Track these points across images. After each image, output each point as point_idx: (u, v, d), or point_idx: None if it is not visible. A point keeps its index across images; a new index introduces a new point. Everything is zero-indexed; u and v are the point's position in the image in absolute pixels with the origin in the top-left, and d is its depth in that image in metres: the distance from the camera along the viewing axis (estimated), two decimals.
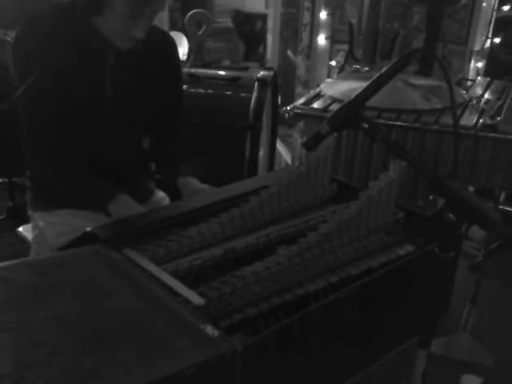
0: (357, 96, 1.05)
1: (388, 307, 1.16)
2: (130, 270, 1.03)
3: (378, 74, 1.03)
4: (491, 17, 2.90)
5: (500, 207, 2.66)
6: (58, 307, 0.92)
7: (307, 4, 3.15)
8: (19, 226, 1.81)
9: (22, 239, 1.76)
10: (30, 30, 1.41)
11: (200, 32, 2.93)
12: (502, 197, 2.73)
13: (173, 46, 1.62)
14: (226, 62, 4.70)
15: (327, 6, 2.94)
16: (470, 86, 2.38)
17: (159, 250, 1.11)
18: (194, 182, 1.57)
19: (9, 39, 3.31)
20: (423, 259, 1.13)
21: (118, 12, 1.32)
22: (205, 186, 1.55)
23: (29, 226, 1.67)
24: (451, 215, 0.93)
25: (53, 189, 1.53)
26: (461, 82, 2.47)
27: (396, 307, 1.18)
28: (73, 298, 0.94)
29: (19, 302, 0.93)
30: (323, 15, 2.94)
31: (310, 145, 1.13)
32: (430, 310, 1.07)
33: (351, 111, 1.05)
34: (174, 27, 4.11)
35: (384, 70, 1.00)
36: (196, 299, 0.95)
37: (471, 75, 2.89)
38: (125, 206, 1.40)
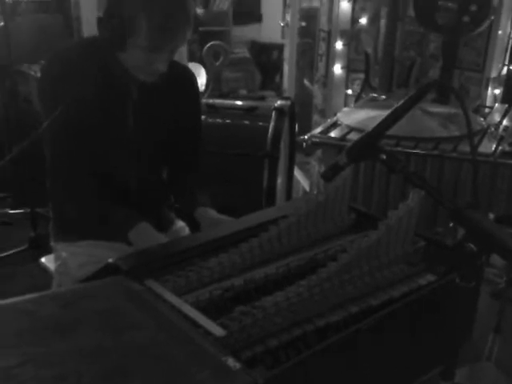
0: (374, 128, 1.06)
1: (409, 338, 1.15)
2: (152, 302, 1.03)
3: (394, 107, 1.05)
4: (507, 44, 2.91)
5: None
6: (80, 339, 0.93)
7: (323, 35, 3.19)
8: (41, 257, 1.83)
9: (44, 270, 1.78)
10: (54, 64, 1.45)
11: (218, 63, 3.00)
12: None
13: (193, 80, 1.66)
14: (243, 92, 4.77)
15: (343, 36, 2.98)
16: (488, 113, 2.38)
17: (180, 281, 1.12)
18: (212, 212, 1.58)
19: (32, 73, 3.41)
20: (444, 289, 1.12)
21: (140, 46, 1.35)
22: (222, 217, 1.56)
23: (51, 257, 1.69)
24: (471, 245, 0.93)
25: (74, 219, 1.55)
26: (478, 109, 2.47)
27: (417, 338, 1.16)
28: (95, 330, 0.95)
29: (42, 334, 0.95)
30: (339, 45, 2.98)
31: (328, 176, 1.14)
32: (452, 340, 1.05)
33: (369, 143, 1.06)
34: (192, 59, 4.19)
35: (401, 102, 1.02)
36: (217, 330, 0.96)
37: (489, 102, 2.89)
38: (145, 234, 1.41)
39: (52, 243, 1.63)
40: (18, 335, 0.94)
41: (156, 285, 1.10)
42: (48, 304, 1.03)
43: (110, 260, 1.18)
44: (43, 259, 1.81)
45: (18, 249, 2.89)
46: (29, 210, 3.00)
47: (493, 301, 2.51)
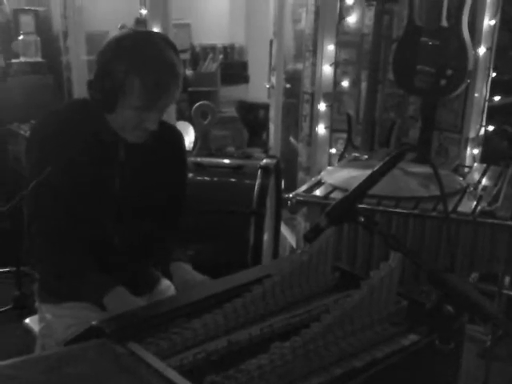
0: (352, 191, 1.10)
1: None
2: (135, 366, 1.03)
3: (371, 171, 1.09)
4: (483, 106, 3.03)
5: (505, 291, 2.64)
6: None
7: (306, 97, 3.30)
8: (26, 317, 1.81)
9: (28, 330, 1.76)
10: (43, 127, 1.48)
11: (206, 122, 3.06)
12: (507, 282, 2.72)
13: (180, 140, 1.69)
14: (231, 149, 4.85)
15: (326, 98, 3.08)
16: (468, 173, 2.44)
17: (163, 344, 1.12)
18: (187, 267, 1.58)
19: (22, 132, 3.46)
20: (425, 350, 1.13)
21: (131, 105, 1.38)
22: (196, 274, 1.56)
23: (35, 318, 1.67)
24: (449, 307, 0.95)
25: (52, 280, 1.54)
26: (458, 169, 2.53)
27: None
28: None
29: None
30: (322, 107, 3.08)
31: (310, 237, 1.17)
32: None
33: (348, 206, 1.10)
34: (181, 117, 4.28)
35: (377, 167, 1.06)
36: None
37: (468, 162, 2.97)
38: (120, 299, 1.39)
39: (37, 304, 1.62)
40: None
41: (139, 348, 1.10)
42: (31, 369, 1.02)
43: (94, 323, 1.18)
44: (27, 320, 1.79)
45: (2, 309, 2.85)
46: (14, 269, 2.98)
47: (480, 359, 2.50)
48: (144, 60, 1.36)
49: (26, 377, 0.99)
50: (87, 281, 1.45)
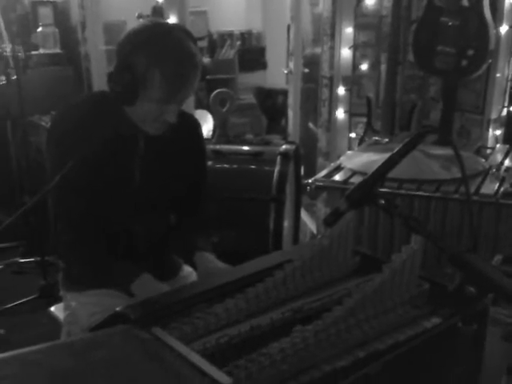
0: (372, 174, 1.09)
1: (416, 381, 1.14)
2: (159, 350, 1.05)
3: (391, 154, 1.08)
4: (505, 86, 2.97)
5: None
6: None
7: (325, 81, 3.27)
8: (51, 305, 1.85)
9: (53, 318, 1.80)
10: (62, 122, 1.49)
11: (224, 109, 3.06)
12: None
13: (198, 129, 1.70)
14: (250, 136, 4.84)
15: (345, 82, 3.06)
16: (490, 154, 2.41)
17: (187, 329, 1.13)
18: (210, 257, 1.59)
19: (43, 124, 3.50)
20: (448, 332, 1.12)
21: (152, 98, 1.39)
22: (219, 263, 1.58)
23: (61, 306, 1.71)
24: (472, 289, 0.94)
25: (77, 271, 1.58)
26: (480, 151, 2.50)
27: (424, 381, 1.16)
28: (104, 379, 0.96)
29: None
30: (341, 91, 3.05)
31: (330, 221, 1.17)
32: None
33: (367, 189, 1.09)
34: (199, 105, 4.29)
35: (396, 149, 1.05)
36: (223, 379, 0.96)
37: (490, 143, 2.93)
38: (147, 285, 1.43)
39: (62, 292, 1.65)
40: None
41: (163, 333, 1.11)
42: (57, 354, 1.04)
43: (118, 309, 1.20)
44: (53, 308, 1.83)
45: (29, 297, 2.91)
46: (39, 259, 3.03)
47: (504, 342, 2.47)
48: (164, 52, 1.36)
49: (52, 362, 1.01)
50: (114, 270, 1.48)
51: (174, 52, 1.37)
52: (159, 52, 1.36)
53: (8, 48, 3.36)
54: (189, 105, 3.16)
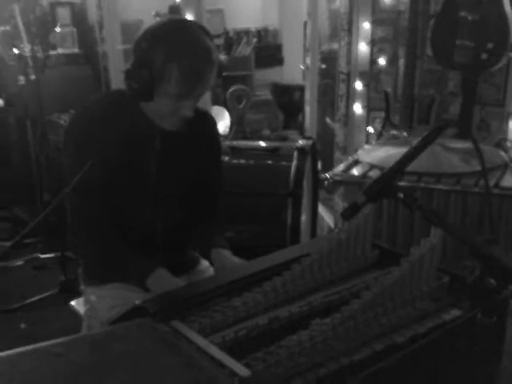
0: (390, 168, 1.08)
1: (436, 374, 1.14)
2: (179, 343, 1.05)
3: (409, 147, 1.07)
4: None
5: None
6: (110, 381, 0.95)
7: (342, 77, 3.26)
8: (71, 300, 1.87)
9: (74, 313, 1.82)
10: (81, 119, 1.51)
11: (241, 106, 3.07)
12: None
13: (214, 127, 1.70)
14: (266, 132, 4.85)
15: (362, 77, 3.04)
16: (510, 147, 2.38)
17: (205, 322, 1.14)
18: (227, 254, 1.59)
19: (62, 122, 3.54)
20: (468, 324, 1.11)
21: (169, 93, 1.39)
22: (235, 259, 1.58)
23: (81, 300, 1.73)
24: (492, 281, 0.93)
25: (96, 266, 1.59)
26: (500, 143, 2.47)
27: (444, 373, 1.15)
28: (124, 372, 0.97)
29: (73, 377, 0.97)
30: (359, 86, 3.03)
31: (347, 215, 1.16)
32: (478, 376, 1.04)
33: (386, 182, 1.08)
34: (216, 102, 4.30)
35: (414, 143, 1.04)
36: (242, 371, 0.97)
37: (510, 136, 2.89)
38: (162, 280, 1.43)
39: (82, 287, 1.67)
40: (49, 379, 0.96)
41: (182, 326, 1.12)
42: (78, 347, 1.06)
43: (137, 302, 1.21)
44: (73, 302, 1.85)
45: (49, 293, 2.94)
46: (59, 255, 3.07)
47: None
48: (181, 47, 1.37)
49: (73, 354, 1.02)
50: (130, 265, 1.49)
51: (192, 47, 1.38)
52: (177, 47, 1.37)
53: (27, 48, 3.40)
54: (206, 101, 3.17)
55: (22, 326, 2.70)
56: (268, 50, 5.85)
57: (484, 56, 2.78)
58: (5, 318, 2.78)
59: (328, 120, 3.96)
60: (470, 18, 2.79)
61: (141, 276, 1.45)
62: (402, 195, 1.06)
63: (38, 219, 1.39)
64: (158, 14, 3.86)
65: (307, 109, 3.71)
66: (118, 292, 1.55)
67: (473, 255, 0.94)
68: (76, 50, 4.17)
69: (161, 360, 1.00)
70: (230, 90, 3.08)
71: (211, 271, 1.72)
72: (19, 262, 3.29)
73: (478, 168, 2.01)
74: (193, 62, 1.37)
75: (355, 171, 2.12)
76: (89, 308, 1.62)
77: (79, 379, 0.96)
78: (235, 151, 2.72)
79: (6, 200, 3.91)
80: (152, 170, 1.54)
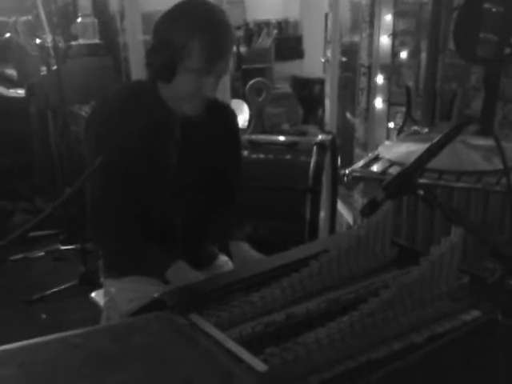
0: (411, 164, 1.07)
1: (454, 374, 1.13)
2: (196, 336, 1.06)
3: (430, 144, 1.06)
4: None
5: None
6: (127, 372, 0.96)
7: (363, 70, 3.23)
8: (91, 291, 1.89)
9: (93, 304, 1.84)
10: (101, 110, 1.52)
11: (260, 99, 3.06)
12: None
13: (234, 118, 1.71)
14: (286, 126, 4.84)
15: (383, 70, 3.01)
16: None
17: (223, 316, 1.14)
18: (245, 247, 1.60)
19: (83, 113, 3.56)
20: (488, 326, 1.10)
21: (191, 69, 1.40)
22: (254, 253, 1.58)
23: (101, 292, 1.75)
24: None
25: (116, 258, 1.60)
26: None
27: (462, 374, 1.15)
28: (142, 363, 0.98)
29: (92, 367, 0.99)
30: (380, 79, 3.01)
31: (366, 211, 1.15)
32: (498, 377, 1.03)
33: (406, 179, 1.07)
34: (235, 95, 4.30)
35: (435, 140, 1.03)
36: (259, 366, 0.97)
37: None
38: (182, 273, 1.44)
39: (102, 279, 1.69)
40: (68, 368, 0.98)
41: (200, 319, 1.13)
42: (97, 338, 1.07)
43: (156, 295, 1.22)
44: (93, 294, 1.87)
45: (69, 284, 2.98)
46: (79, 247, 3.10)
47: None
48: (201, 22, 1.39)
49: (92, 345, 1.04)
50: (150, 257, 1.50)
51: (212, 22, 1.40)
52: (197, 22, 1.39)
53: (49, 39, 3.42)
54: (225, 94, 3.17)
55: (43, 316, 2.74)
56: (288, 42, 5.82)
57: (508, 50, 2.73)
58: (25, 309, 2.83)
59: (348, 115, 3.93)
60: (494, 10, 2.74)
61: (161, 268, 1.45)
62: (422, 192, 1.05)
63: (59, 202, 1.40)
64: None
65: (327, 103, 3.69)
66: (137, 285, 1.56)
67: (493, 255, 0.92)
68: (97, 41, 4.20)
69: (178, 352, 1.01)
70: (250, 83, 3.06)
71: (230, 266, 1.73)
72: (40, 253, 3.34)
73: (500, 166, 1.98)
74: (213, 36, 1.39)
75: (375, 167, 2.10)
76: (108, 299, 1.64)
77: (97, 369, 0.97)
78: (254, 145, 2.71)
79: (28, 192, 3.96)
80: (172, 159, 1.55)
